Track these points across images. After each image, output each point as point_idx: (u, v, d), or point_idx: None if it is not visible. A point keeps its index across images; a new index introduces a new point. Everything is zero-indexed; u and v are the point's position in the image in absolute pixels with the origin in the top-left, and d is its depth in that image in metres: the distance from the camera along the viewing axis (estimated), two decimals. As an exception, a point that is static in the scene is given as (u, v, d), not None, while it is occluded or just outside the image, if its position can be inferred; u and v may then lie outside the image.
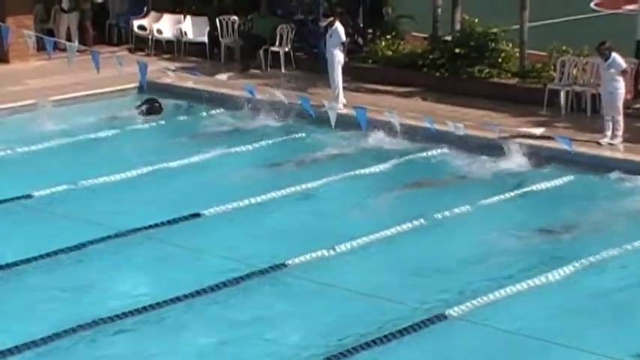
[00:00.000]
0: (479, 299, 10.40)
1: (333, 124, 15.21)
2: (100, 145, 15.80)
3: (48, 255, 11.39)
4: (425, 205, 13.13)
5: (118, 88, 18.73)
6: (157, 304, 10.26)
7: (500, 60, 18.12)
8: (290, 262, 11.30)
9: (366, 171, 14.60)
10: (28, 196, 13.32)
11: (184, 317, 10.17)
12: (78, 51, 18.71)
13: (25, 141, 15.62)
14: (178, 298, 10.39)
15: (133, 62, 17.90)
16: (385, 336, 9.70)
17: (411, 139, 15.44)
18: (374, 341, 9.62)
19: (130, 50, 21.33)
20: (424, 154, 15.28)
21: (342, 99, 17.14)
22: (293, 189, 13.64)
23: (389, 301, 10.42)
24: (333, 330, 9.95)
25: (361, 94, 17.89)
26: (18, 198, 13.24)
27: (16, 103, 17.63)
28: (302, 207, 13.26)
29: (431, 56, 18.58)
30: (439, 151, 15.30)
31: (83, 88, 18.51)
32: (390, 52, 19.25)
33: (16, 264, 11.20)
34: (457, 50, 18.21)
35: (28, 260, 11.26)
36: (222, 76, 18.00)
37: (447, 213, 12.76)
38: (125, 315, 10.04)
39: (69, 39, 20.50)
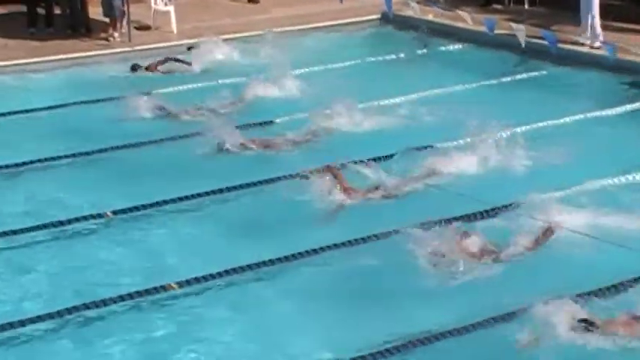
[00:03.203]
0: None
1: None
2: (338, 75, 15.63)
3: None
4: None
5: (359, 19, 18.59)
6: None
7: None
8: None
9: (608, 112, 13.79)
10: (271, 122, 13.38)
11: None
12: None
13: (270, 68, 15.70)
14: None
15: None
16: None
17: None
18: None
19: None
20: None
21: (599, 35, 16.15)
22: (526, 127, 13.02)
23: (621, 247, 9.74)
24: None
25: (607, 32, 16.83)
26: (263, 123, 13.29)
27: (262, 31, 17.77)
28: (540, 146, 12.57)
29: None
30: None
31: (325, 19, 18.42)
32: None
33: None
34: None
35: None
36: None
37: None
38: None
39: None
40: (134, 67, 15.56)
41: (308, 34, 17.77)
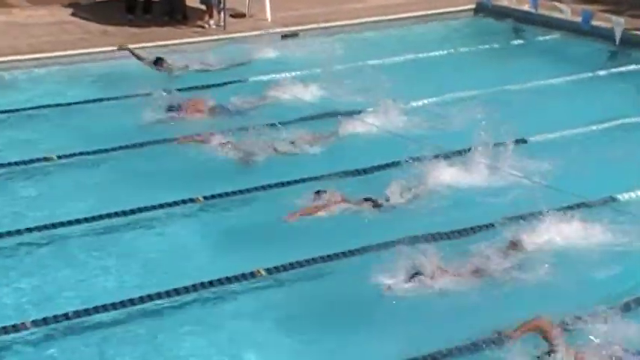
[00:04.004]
0: None
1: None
2: (431, 64, 15.52)
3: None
4: None
5: (454, 9, 18.41)
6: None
7: None
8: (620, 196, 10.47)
9: None
10: (360, 112, 13.15)
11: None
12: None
13: (361, 56, 15.59)
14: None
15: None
16: None
17: None
18: None
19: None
20: None
21: None
22: (620, 122, 12.66)
23: None
24: None
25: None
26: (356, 112, 13.11)
27: (355, 20, 17.76)
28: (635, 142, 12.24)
29: None
30: None
31: (420, 8, 18.29)
32: None
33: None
34: None
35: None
36: None
37: None
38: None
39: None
40: (157, 62, 14.93)
41: (402, 24, 17.64)
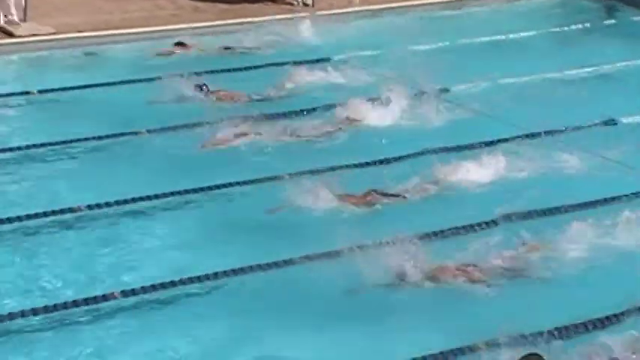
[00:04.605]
0: None
1: None
2: (519, 44, 15.29)
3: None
4: None
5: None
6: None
7: None
8: None
9: None
10: (446, 90, 13.15)
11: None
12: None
13: (447, 36, 15.41)
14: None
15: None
16: None
17: None
18: None
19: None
20: None
21: None
22: None
23: None
24: None
25: None
26: (442, 91, 13.04)
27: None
28: None
29: None
30: None
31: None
32: None
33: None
34: None
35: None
36: None
37: None
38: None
39: None
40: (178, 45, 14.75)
41: (489, 1, 17.47)
